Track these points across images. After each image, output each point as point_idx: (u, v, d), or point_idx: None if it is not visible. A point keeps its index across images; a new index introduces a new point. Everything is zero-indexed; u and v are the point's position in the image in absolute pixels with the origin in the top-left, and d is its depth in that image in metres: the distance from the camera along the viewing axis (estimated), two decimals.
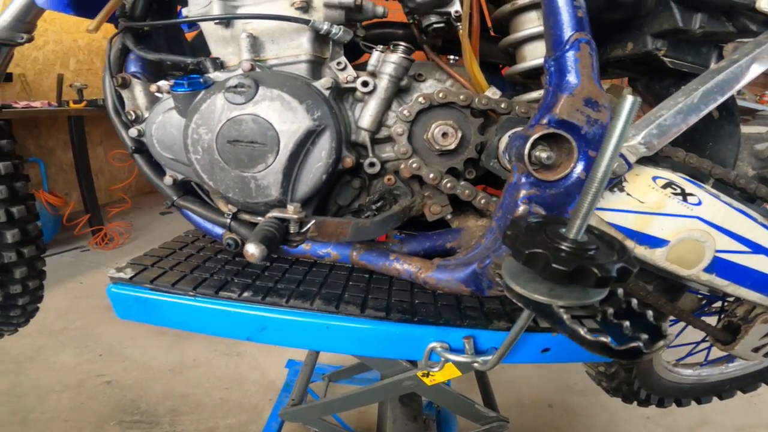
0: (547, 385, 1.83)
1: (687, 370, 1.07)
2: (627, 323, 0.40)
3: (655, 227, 0.57)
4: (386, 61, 0.61)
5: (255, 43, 0.60)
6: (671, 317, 0.67)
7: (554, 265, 0.36)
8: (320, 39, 0.61)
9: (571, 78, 0.53)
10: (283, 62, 0.61)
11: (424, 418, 1.08)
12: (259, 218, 0.62)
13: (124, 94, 0.65)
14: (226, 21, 0.58)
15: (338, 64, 0.62)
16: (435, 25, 0.66)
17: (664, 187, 0.58)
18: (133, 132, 0.62)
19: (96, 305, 2.22)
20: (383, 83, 0.60)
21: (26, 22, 0.90)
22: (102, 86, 0.66)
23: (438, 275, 0.61)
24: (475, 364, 0.58)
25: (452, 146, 0.60)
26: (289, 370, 1.63)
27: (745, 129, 0.80)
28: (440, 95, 0.59)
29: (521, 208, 0.55)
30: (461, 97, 0.59)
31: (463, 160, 0.63)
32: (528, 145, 0.52)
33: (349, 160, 0.58)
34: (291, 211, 0.49)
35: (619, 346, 0.37)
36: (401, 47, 0.61)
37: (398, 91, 0.63)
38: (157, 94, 0.61)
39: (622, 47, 0.71)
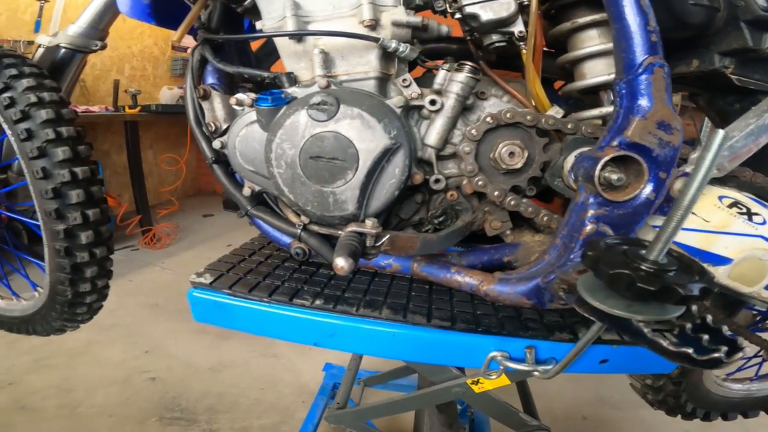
0: (580, 398, 1.80)
1: (737, 384, 1.06)
2: (706, 336, 0.41)
3: (720, 246, 0.57)
4: (453, 81, 0.63)
5: (326, 59, 0.63)
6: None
7: (639, 285, 0.38)
8: (387, 56, 0.64)
9: (644, 102, 0.54)
10: (352, 78, 0.63)
11: (459, 426, 1.09)
12: (330, 230, 0.66)
13: (204, 105, 0.68)
14: (298, 37, 0.62)
15: (404, 81, 0.65)
16: (496, 44, 0.67)
17: (730, 206, 0.58)
18: (217, 144, 0.66)
19: (143, 303, 2.33)
20: (450, 102, 0.63)
21: (99, 30, 0.97)
22: (184, 96, 0.70)
23: (500, 288, 0.63)
24: (536, 373, 0.59)
25: (518, 165, 0.62)
26: (326, 373, 1.67)
27: None
28: (508, 115, 0.61)
29: (589, 228, 0.56)
30: (528, 117, 0.61)
31: (527, 179, 0.64)
32: (598, 167, 0.53)
33: (418, 177, 0.61)
34: (369, 226, 0.52)
35: (701, 356, 0.38)
36: (467, 67, 0.63)
37: (463, 110, 0.65)
38: (235, 107, 0.65)
39: (686, 64, 0.72)
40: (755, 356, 1.04)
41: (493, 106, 0.67)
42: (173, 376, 1.76)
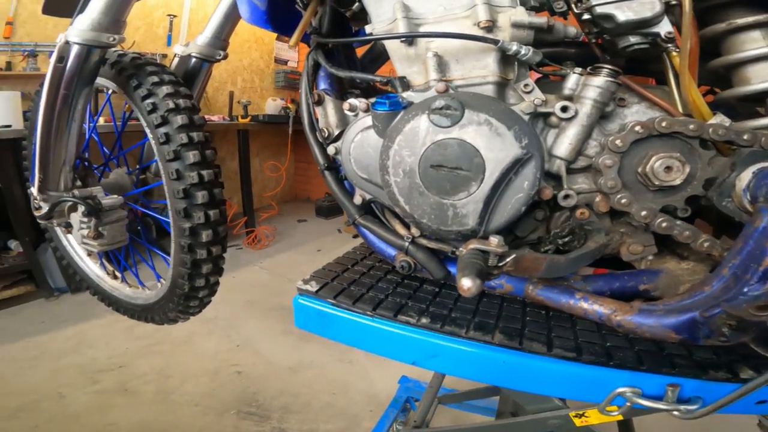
0: None
1: None
2: None
3: None
4: (589, 85, 0.55)
5: (441, 63, 0.59)
6: None
7: None
8: (506, 60, 0.59)
9: None
10: (469, 83, 0.59)
11: None
12: (439, 244, 0.62)
13: (318, 110, 0.69)
14: (410, 39, 0.60)
15: (525, 86, 0.59)
16: (636, 47, 0.58)
17: None
18: (331, 150, 0.65)
19: (242, 299, 2.52)
20: (586, 109, 0.55)
21: (222, 40, 1.06)
22: (299, 102, 0.71)
23: (640, 319, 0.53)
24: (676, 413, 0.51)
25: (677, 182, 0.52)
26: (401, 386, 1.63)
27: None
28: (663, 124, 0.52)
29: None
30: (691, 126, 0.51)
31: (684, 198, 0.54)
32: None
33: (548, 192, 0.54)
34: (494, 245, 0.48)
35: None
36: (606, 70, 0.55)
37: (600, 117, 0.57)
38: (347, 113, 0.65)
39: None
40: None
41: (637, 113, 0.58)
42: (256, 371, 1.86)
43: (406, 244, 0.63)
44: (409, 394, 1.58)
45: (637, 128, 0.53)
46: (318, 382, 1.82)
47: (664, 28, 0.56)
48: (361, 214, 0.68)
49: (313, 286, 0.66)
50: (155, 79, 0.90)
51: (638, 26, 0.56)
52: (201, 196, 0.89)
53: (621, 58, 0.68)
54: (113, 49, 0.94)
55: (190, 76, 1.08)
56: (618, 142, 0.53)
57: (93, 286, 1.26)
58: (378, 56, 0.91)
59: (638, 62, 0.71)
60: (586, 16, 0.59)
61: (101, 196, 1.03)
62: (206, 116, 3.45)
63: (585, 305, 0.57)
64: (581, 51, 0.74)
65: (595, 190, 0.58)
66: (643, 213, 0.54)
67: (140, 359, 1.89)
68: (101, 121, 2.10)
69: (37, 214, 1.01)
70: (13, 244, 2.36)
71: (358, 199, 0.66)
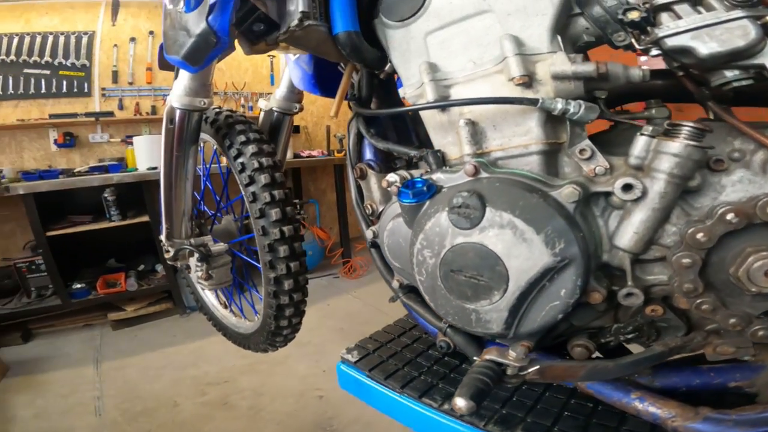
0: None
1: None
2: None
3: None
4: (662, 153, 0.43)
5: (475, 132, 0.53)
6: None
7: None
8: (553, 120, 0.50)
9: None
10: (509, 155, 0.52)
11: None
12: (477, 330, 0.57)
13: (362, 185, 0.69)
14: (443, 106, 0.55)
15: (581, 152, 0.49)
16: (735, 84, 0.44)
17: None
18: (369, 234, 0.65)
19: (334, 326, 2.68)
20: (658, 186, 0.43)
21: (295, 93, 1.13)
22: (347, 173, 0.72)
23: (703, 429, 0.43)
24: None
25: None
26: None
27: None
28: None
29: None
30: None
31: None
32: None
33: (598, 296, 0.45)
34: (512, 358, 0.42)
35: None
36: (686, 129, 0.42)
37: (684, 193, 0.44)
38: (389, 190, 0.64)
39: None
40: None
41: (741, 183, 0.44)
42: (336, 397, 1.95)
43: (445, 326, 0.59)
44: None
45: (730, 216, 0.40)
46: None
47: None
48: (404, 293, 0.66)
49: (354, 356, 0.71)
50: (243, 138, 0.99)
51: (731, 58, 0.43)
52: (283, 250, 0.96)
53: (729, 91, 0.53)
54: (213, 107, 1.06)
55: (275, 129, 1.18)
56: (700, 236, 0.41)
57: (208, 313, 1.51)
58: None
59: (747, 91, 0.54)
60: (654, 52, 0.47)
61: (211, 244, 1.20)
62: (308, 151, 3.74)
63: (639, 406, 0.47)
64: (673, 82, 0.59)
65: (674, 285, 0.45)
66: (732, 321, 0.41)
67: (243, 376, 2.14)
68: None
69: (166, 256, 1.22)
70: (159, 268, 2.90)
71: (395, 284, 0.65)
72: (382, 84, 0.73)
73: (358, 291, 3.29)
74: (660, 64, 0.53)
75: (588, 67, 0.47)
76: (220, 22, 0.59)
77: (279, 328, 1.09)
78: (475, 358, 0.52)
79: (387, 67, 0.64)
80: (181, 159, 1.06)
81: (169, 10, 0.65)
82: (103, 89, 3.04)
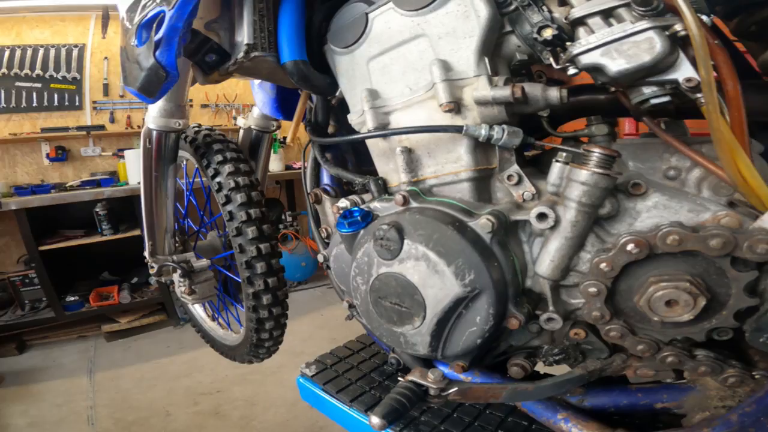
0: None
1: None
2: None
3: None
4: (573, 181, 0.44)
5: (411, 159, 0.55)
6: None
7: None
8: (482, 146, 0.52)
9: None
10: (442, 182, 0.54)
11: None
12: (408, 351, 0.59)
13: (318, 209, 0.72)
14: (378, 136, 0.57)
15: (509, 178, 0.51)
16: (653, 101, 0.45)
17: None
18: (320, 258, 0.69)
19: (327, 336, 2.72)
20: (569, 215, 0.45)
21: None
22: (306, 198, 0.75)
23: None
24: None
25: (685, 318, 0.40)
26: None
27: None
28: (669, 241, 0.39)
29: None
30: (713, 243, 0.38)
31: (705, 331, 0.41)
32: None
33: (515, 322, 0.47)
34: (431, 380, 0.44)
35: None
36: (595, 154, 0.43)
37: (598, 219, 0.46)
38: (338, 215, 0.66)
39: None
40: None
41: (654, 209, 0.44)
42: None
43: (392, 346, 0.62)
44: None
45: (630, 247, 0.41)
46: None
47: (683, 73, 0.41)
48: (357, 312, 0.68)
49: (311, 371, 0.75)
50: (220, 158, 1.02)
51: (644, 75, 0.43)
52: (260, 267, 1.00)
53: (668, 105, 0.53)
54: (193, 125, 1.09)
55: (254, 147, 1.22)
56: (604, 266, 0.43)
57: (197, 325, 1.57)
58: None
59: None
60: (571, 71, 0.47)
61: (193, 260, 1.24)
62: (300, 163, 3.75)
63: (564, 426, 0.50)
64: (614, 98, 0.59)
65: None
66: (641, 347, 0.43)
67: (235, 386, 2.19)
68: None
69: (150, 272, 1.26)
70: (153, 281, 2.95)
71: (345, 304, 0.68)
72: (340, 108, 0.75)
73: None
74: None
75: (505, 92, 0.47)
76: (168, 57, 0.62)
77: (261, 341, 1.13)
78: (399, 378, 0.55)
79: (338, 93, 0.66)
80: (160, 178, 1.09)
81: (124, 44, 0.68)
82: (95, 102, 3.11)
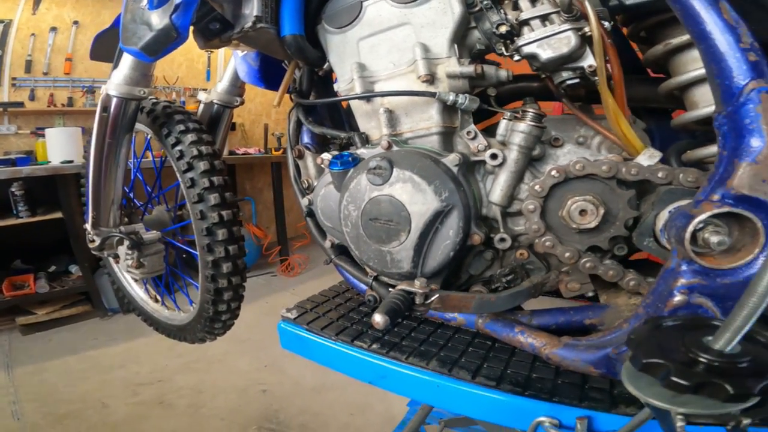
0: None
1: None
2: None
3: None
4: (514, 131, 0.63)
5: (392, 118, 0.70)
6: None
7: (674, 379, 0.35)
8: (449, 109, 0.68)
9: (754, 140, 0.47)
10: (416, 135, 0.70)
11: None
12: (396, 282, 0.73)
13: (300, 164, 0.84)
14: (366, 98, 0.71)
15: (468, 133, 0.68)
16: (568, 82, 0.65)
17: None
18: (305, 202, 0.80)
19: (273, 323, 2.73)
20: (513, 155, 0.63)
21: (238, 87, 1.24)
22: (286, 155, 0.87)
23: (564, 353, 0.60)
24: None
25: (592, 224, 0.59)
26: (410, 408, 1.71)
27: None
28: (577, 167, 0.59)
29: (677, 299, 0.50)
30: (604, 167, 0.58)
31: (607, 239, 0.61)
32: (691, 228, 0.47)
33: (477, 238, 0.63)
34: (417, 286, 0.58)
35: None
36: (530, 113, 0.62)
37: (532, 160, 0.65)
38: (322, 166, 0.78)
39: None
40: None
41: (569, 153, 0.66)
42: (281, 390, 2.05)
43: (370, 281, 0.74)
44: None
45: (554, 173, 0.60)
46: (338, 403, 1.96)
47: (587, 61, 0.61)
48: (336, 254, 0.80)
49: (293, 314, 0.82)
50: (182, 127, 1.08)
51: (563, 62, 0.63)
52: (221, 234, 1.06)
53: (580, 89, 0.74)
54: (150, 97, 1.13)
55: (214, 121, 1.27)
56: (537, 187, 0.61)
57: (138, 308, 1.51)
58: None
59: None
60: (516, 58, 0.66)
61: (143, 232, 1.25)
62: (244, 149, 3.78)
63: (522, 338, 0.65)
64: (543, 86, 0.80)
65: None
66: (567, 254, 0.61)
67: (178, 375, 2.14)
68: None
69: (91, 246, 1.24)
70: (74, 269, 2.77)
71: (328, 243, 0.80)
72: (321, 80, 0.90)
73: (297, 288, 3.41)
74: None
75: (469, 69, 0.66)
76: (182, 20, 0.71)
77: (217, 314, 1.16)
78: (390, 289, 0.68)
79: (325, 66, 0.80)
80: (113, 146, 1.11)
81: (130, 6, 0.74)
82: (14, 79, 2.93)
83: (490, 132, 0.69)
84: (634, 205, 0.59)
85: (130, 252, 1.22)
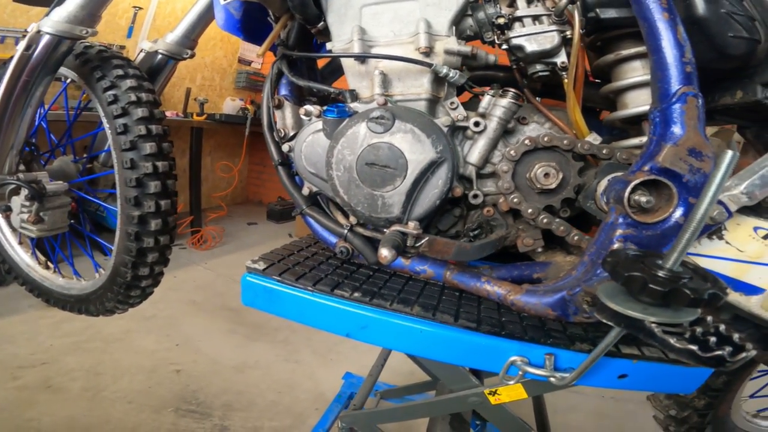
0: None
1: (766, 422, 1.06)
2: (714, 339, 0.47)
3: (753, 276, 0.62)
4: (497, 105, 0.73)
5: (385, 80, 0.74)
6: (761, 367, 0.68)
7: (651, 286, 0.45)
8: (438, 80, 0.74)
9: (676, 129, 0.61)
10: (406, 98, 0.74)
11: None
12: (374, 233, 0.76)
13: (277, 113, 0.82)
14: (362, 59, 0.74)
15: (451, 104, 0.75)
16: (540, 73, 0.76)
17: (765, 237, 0.62)
18: (285, 148, 0.78)
19: (183, 298, 2.53)
20: (492, 124, 0.72)
21: (191, 39, 1.15)
22: (260, 104, 0.83)
23: (526, 298, 0.69)
24: (553, 379, 0.65)
25: (552, 186, 0.70)
26: (345, 381, 1.74)
27: None
28: (545, 139, 0.70)
29: (616, 246, 0.63)
30: (565, 141, 0.70)
31: (560, 199, 0.72)
32: (629, 189, 0.60)
33: (459, 190, 0.70)
34: (411, 227, 0.62)
35: (705, 353, 0.45)
36: (511, 93, 0.73)
37: (505, 132, 0.75)
38: (303, 117, 0.78)
39: (731, 95, 0.75)
40: None
41: (533, 130, 0.76)
42: (197, 370, 1.90)
43: (345, 231, 0.76)
44: (352, 389, 1.69)
45: (527, 141, 0.71)
46: (263, 381, 1.89)
47: (561, 58, 0.73)
48: (308, 205, 0.80)
49: (261, 265, 0.77)
50: (120, 72, 0.98)
51: (542, 56, 0.74)
52: (154, 186, 0.96)
53: (537, 83, 0.86)
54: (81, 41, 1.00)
55: (154, 72, 1.16)
56: (512, 152, 0.71)
57: (22, 276, 1.26)
58: (337, 69, 1.05)
59: (551, 87, 0.89)
60: (504, 46, 0.76)
61: (46, 181, 1.06)
62: (170, 113, 3.41)
63: (488, 287, 0.73)
64: (509, 75, 0.91)
65: (499, 192, 0.74)
66: (530, 210, 0.71)
67: (67, 356, 1.85)
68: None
69: None
70: None
71: (306, 191, 0.79)
72: (309, 37, 0.88)
73: (210, 262, 3.15)
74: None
75: (467, 48, 0.73)
76: None
77: (137, 279, 1.05)
78: (378, 237, 0.70)
79: (320, 25, 0.79)
80: (28, 85, 0.97)
81: None
82: None
83: (465, 106, 0.77)
84: (581, 174, 0.72)
85: (27, 204, 1.04)
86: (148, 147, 0.94)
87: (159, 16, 3.55)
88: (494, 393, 0.76)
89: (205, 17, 1.13)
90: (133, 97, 0.95)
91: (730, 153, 0.43)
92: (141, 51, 1.16)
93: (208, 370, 1.91)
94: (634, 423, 1.82)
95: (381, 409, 1.10)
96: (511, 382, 0.70)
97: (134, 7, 3.38)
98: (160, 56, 1.15)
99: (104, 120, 0.98)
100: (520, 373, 0.67)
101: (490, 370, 0.70)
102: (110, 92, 0.96)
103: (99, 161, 1.19)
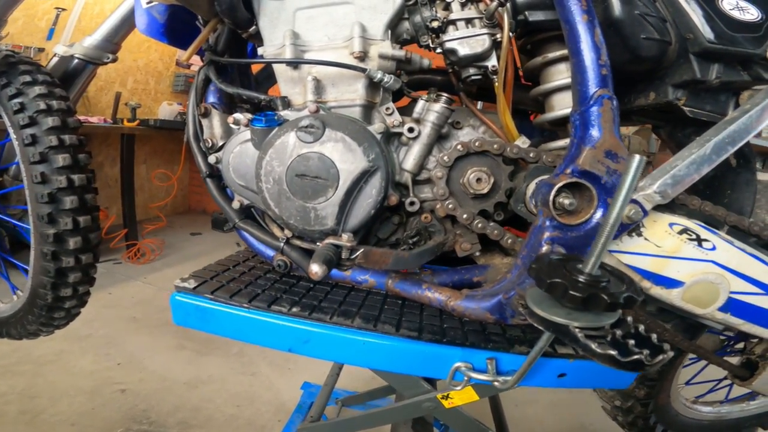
0: (561, 426, 1.85)
1: (707, 407, 1.11)
2: (632, 341, 0.48)
3: (672, 270, 0.64)
4: (430, 110, 0.71)
5: (318, 86, 0.71)
6: (692, 355, 0.72)
7: (571, 292, 0.45)
8: (373, 86, 0.72)
9: (594, 132, 0.62)
10: (340, 105, 0.72)
11: None
12: (311, 245, 0.72)
13: (204, 122, 0.76)
14: (294, 64, 0.70)
15: (387, 109, 0.73)
16: (473, 77, 0.76)
17: (680, 233, 0.65)
18: (212, 159, 0.73)
19: (121, 316, 2.34)
20: (426, 130, 0.71)
21: (113, 43, 1.05)
22: (186, 113, 0.78)
23: (466, 304, 0.69)
24: (496, 383, 0.64)
25: (485, 191, 0.70)
26: (304, 392, 1.69)
27: (762, 176, 0.86)
28: (476, 144, 0.69)
29: (545, 248, 0.63)
30: (495, 146, 0.69)
31: (493, 204, 0.72)
32: (553, 193, 0.60)
33: (394, 199, 0.68)
34: (345, 240, 0.59)
35: (624, 357, 0.45)
36: (444, 98, 0.71)
37: (439, 137, 0.73)
38: (232, 126, 0.72)
39: (645, 96, 0.77)
40: (724, 379, 1.09)
41: (466, 135, 0.76)
42: (145, 389, 1.76)
43: (281, 244, 0.72)
44: (312, 398, 1.63)
45: (459, 147, 0.70)
46: (219, 396, 1.79)
47: (492, 62, 0.73)
48: (241, 218, 0.75)
49: (191, 283, 0.71)
50: (27, 78, 0.88)
51: (474, 60, 0.73)
52: (70, 201, 0.87)
53: (472, 87, 0.85)
54: None
55: (70, 77, 1.06)
56: (445, 158, 0.70)
57: None
58: (272, 74, 0.99)
59: (487, 90, 0.89)
60: (438, 50, 0.75)
61: None
62: (84, 117, 3.12)
63: (429, 294, 0.72)
64: (446, 79, 0.90)
65: (435, 198, 0.73)
66: (465, 216, 0.70)
67: None
68: None
69: None
70: None
71: (236, 204, 0.74)
72: (236, 43, 0.83)
73: (150, 277, 2.93)
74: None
75: (401, 52, 0.71)
76: None
77: (59, 300, 0.95)
78: (317, 244, 0.67)
79: (251, 29, 0.75)
80: None
81: None
82: None
83: (401, 112, 0.75)
84: (512, 178, 0.72)
85: None
86: (61, 159, 0.85)
87: (86, 17, 3.25)
88: (447, 397, 0.75)
89: (130, 20, 1.03)
90: (43, 105, 0.85)
91: (637, 157, 0.44)
92: (55, 56, 1.04)
93: (158, 387, 1.78)
94: (588, 411, 1.89)
95: (338, 419, 1.06)
96: (458, 388, 0.69)
97: (57, 8, 3.09)
98: (76, 61, 1.04)
99: (11, 130, 0.87)
100: (466, 378, 0.66)
101: (437, 377, 0.69)
102: (16, 100, 0.86)
103: (9, 174, 1.06)
